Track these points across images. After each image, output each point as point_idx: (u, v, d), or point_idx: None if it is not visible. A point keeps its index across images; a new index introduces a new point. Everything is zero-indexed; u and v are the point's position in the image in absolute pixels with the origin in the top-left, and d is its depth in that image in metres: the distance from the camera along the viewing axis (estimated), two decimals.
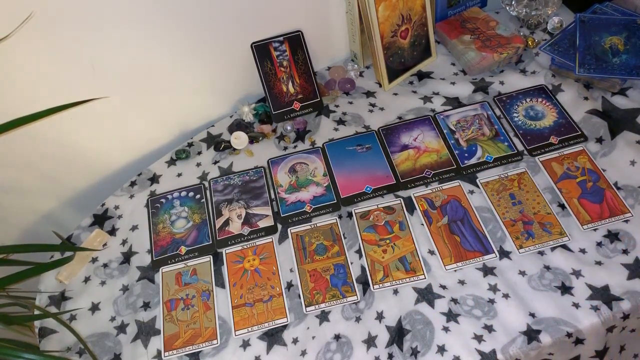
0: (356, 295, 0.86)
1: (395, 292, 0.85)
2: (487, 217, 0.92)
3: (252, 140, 1.10)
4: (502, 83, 1.13)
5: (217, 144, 1.10)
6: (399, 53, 1.13)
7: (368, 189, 0.98)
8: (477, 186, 0.97)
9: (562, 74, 1.11)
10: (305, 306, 0.85)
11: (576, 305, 0.80)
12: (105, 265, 0.96)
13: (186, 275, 0.92)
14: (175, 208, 1.01)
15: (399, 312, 0.83)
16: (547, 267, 0.85)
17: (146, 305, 0.89)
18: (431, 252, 0.89)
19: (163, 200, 1.03)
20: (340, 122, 1.12)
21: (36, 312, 0.90)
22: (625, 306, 0.79)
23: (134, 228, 1.00)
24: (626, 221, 0.88)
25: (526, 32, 1.22)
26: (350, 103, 1.15)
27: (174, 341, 0.84)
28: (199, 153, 1.11)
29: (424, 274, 0.86)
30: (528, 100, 1.08)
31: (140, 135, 1.12)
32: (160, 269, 0.93)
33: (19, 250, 0.90)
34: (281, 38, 1.09)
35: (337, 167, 1.03)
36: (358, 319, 0.83)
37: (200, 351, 0.83)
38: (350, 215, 0.96)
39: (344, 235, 0.94)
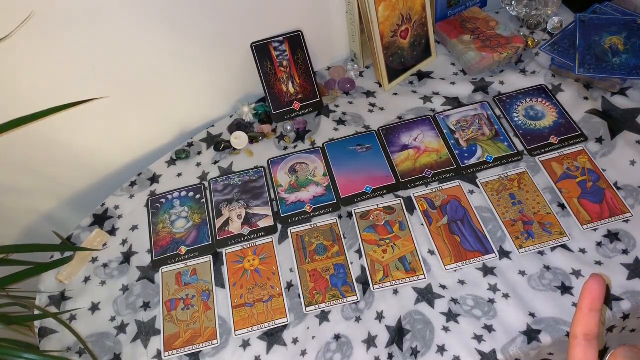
0: (356, 295, 0.86)
1: (395, 292, 0.85)
2: (487, 217, 0.92)
3: (252, 140, 1.10)
4: (502, 83, 1.13)
5: (217, 144, 1.10)
6: (399, 53, 1.13)
7: (368, 189, 0.98)
8: (477, 186, 0.97)
9: (562, 74, 1.11)
10: (305, 306, 0.85)
11: (576, 305, 0.80)
12: (105, 265, 0.96)
13: (186, 275, 0.92)
14: (175, 208, 1.01)
15: (399, 312, 0.83)
16: (547, 267, 0.85)
17: (146, 305, 0.89)
18: (431, 252, 0.89)
19: (163, 200, 1.03)
20: (340, 122, 1.12)
21: (36, 312, 0.90)
22: (625, 306, 0.79)
23: (134, 228, 1.00)
24: (626, 221, 0.88)
25: (526, 32, 1.22)
26: (350, 103, 1.15)
27: (174, 341, 0.84)
28: (199, 153, 1.11)
29: (424, 274, 0.86)
30: (528, 100, 1.08)
31: (140, 135, 1.12)
32: (160, 269, 0.93)
33: (19, 250, 0.89)
34: (281, 38, 1.09)
35: (337, 167, 1.03)
36: (358, 319, 0.83)
37: (200, 351, 0.83)
38: (350, 215, 0.96)
39: (344, 235, 0.94)
